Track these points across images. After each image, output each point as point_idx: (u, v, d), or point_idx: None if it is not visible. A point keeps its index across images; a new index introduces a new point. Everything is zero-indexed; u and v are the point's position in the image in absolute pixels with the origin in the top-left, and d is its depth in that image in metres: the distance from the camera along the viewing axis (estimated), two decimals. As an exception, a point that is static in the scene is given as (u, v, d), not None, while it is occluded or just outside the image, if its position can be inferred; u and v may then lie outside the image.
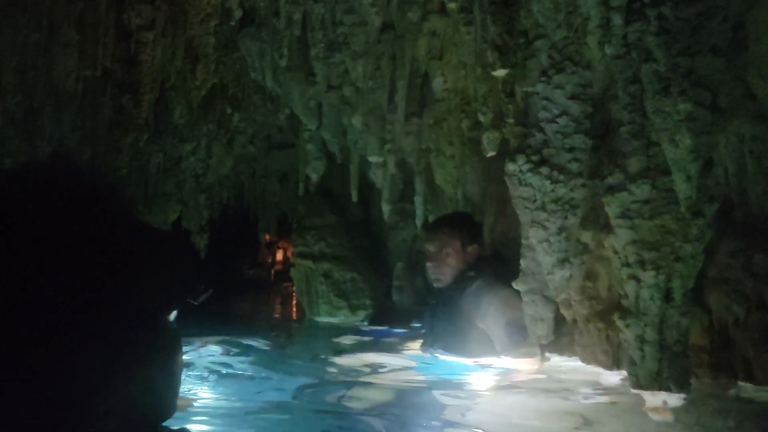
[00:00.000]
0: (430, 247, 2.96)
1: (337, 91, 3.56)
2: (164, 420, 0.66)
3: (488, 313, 2.74)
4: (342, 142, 3.94)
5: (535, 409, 1.95)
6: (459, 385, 2.37)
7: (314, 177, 4.33)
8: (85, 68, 3.30)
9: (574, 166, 2.10)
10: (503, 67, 1.85)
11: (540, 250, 2.17)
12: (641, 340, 1.87)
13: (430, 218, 3.70)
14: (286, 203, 5.92)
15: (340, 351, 3.16)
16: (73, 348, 0.57)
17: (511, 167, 2.17)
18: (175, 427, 0.67)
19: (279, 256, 11.61)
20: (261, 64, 3.61)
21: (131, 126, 3.39)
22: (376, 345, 3.41)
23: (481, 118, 2.50)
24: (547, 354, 2.40)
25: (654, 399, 1.82)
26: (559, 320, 2.45)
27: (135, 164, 4.40)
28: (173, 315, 0.66)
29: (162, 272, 0.62)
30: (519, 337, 2.53)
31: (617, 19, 1.83)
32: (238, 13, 3.27)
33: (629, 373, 1.90)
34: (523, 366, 2.49)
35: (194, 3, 3.21)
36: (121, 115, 3.39)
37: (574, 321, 2.46)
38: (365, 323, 4.47)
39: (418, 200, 3.73)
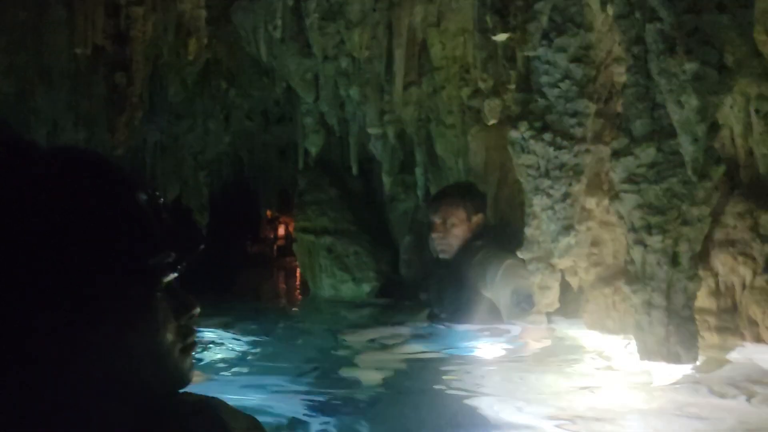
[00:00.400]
0: (435, 219, 2.94)
1: (333, 62, 3.49)
2: (179, 387, 0.65)
3: (494, 282, 2.73)
4: (340, 114, 3.88)
5: (544, 382, 1.95)
6: (467, 358, 2.37)
7: (313, 150, 4.28)
8: (76, 46, 3.23)
9: (577, 131, 2.06)
10: (504, 31, 1.80)
11: (544, 217, 2.16)
12: (648, 305, 1.86)
13: (432, 189, 3.67)
14: (287, 178, 5.87)
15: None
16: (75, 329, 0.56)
17: (513, 135, 2.14)
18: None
19: (281, 231, 11.63)
20: (255, 37, 3.53)
21: (126, 104, 3.34)
22: (383, 318, 3.41)
23: (481, 86, 2.45)
24: (553, 324, 2.39)
25: (660, 366, 1.82)
26: (564, 286, 2.44)
27: (132, 143, 4.35)
28: (172, 277, 0.63)
29: (155, 230, 0.61)
30: (526, 305, 2.53)
31: (620, -22, 1.77)
32: (229, -15, 3.19)
33: (636, 339, 1.90)
34: (530, 335, 2.49)
35: (184, -25, 3.13)
36: (114, 93, 3.34)
37: (580, 288, 2.46)
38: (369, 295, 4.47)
39: (419, 171, 3.69)
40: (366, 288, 4.79)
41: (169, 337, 0.62)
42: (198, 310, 0.65)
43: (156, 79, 3.98)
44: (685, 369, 1.86)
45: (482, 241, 2.86)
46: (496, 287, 2.72)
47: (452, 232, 2.89)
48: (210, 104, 4.79)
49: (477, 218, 2.90)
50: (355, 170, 4.04)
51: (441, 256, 2.97)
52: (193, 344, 0.66)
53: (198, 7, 3.27)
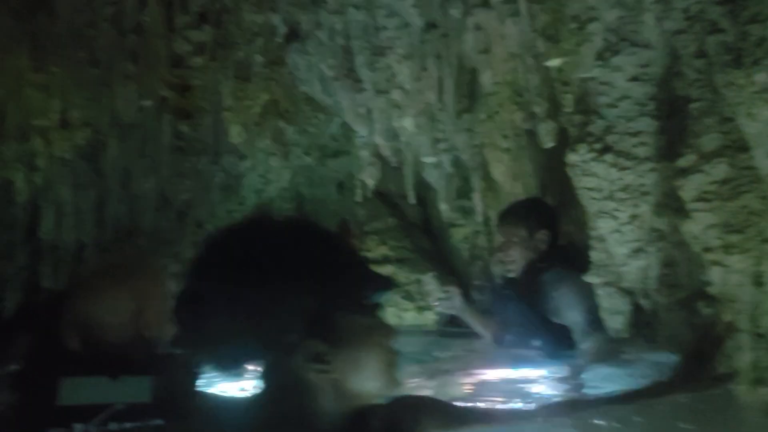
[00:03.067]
0: (500, 236, 2.91)
1: (385, 95, 3.53)
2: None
3: (563, 305, 2.64)
4: (395, 145, 3.91)
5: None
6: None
7: (370, 183, 4.31)
8: (144, 98, 3.43)
9: (640, 151, 2.00)
10: (557, 56, 1.78)
11: (611, 240, 2.08)
12: (732, 329, 1.76)
13: (490, 214, 3.63)
14: (346, 209, 5.96)
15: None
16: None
17: (572, 158, 2.09)
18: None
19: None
20: (309, 76, 3.63)
21: (192, 151, 3.51)
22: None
23: (536, 110, 2.42)
24: (624, 347, 2.29)
25: (751, 392, 1.70)
26: (636, 309, 2.34)
27: (199, 186, 4.54)
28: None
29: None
30: (598, 326, 2.43)
31: (676, -8, 1.73)
32: (282, 30, 3.31)
33: (723, 366, 1.79)
34: (598, 358, 2.38)
35: (240, 24, 3.28)
36: (181, 140, 3.51)
37: (654, 311, 2.35)
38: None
39: (475, 197, 3.66)
40: (430, 315, 4.74)
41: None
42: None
43: (218, 122, 4.16)
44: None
45: (548, 261, 2.76)
46: (565, 310, 2.63)
47: (513, 250, 2.83)
48: (269, 143, 4.94)
49: (540, 235, 2.80)
50: (411, 199, 4.03)
51: (507, 275, 2.92)
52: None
53: (254, 52, 3.41)
